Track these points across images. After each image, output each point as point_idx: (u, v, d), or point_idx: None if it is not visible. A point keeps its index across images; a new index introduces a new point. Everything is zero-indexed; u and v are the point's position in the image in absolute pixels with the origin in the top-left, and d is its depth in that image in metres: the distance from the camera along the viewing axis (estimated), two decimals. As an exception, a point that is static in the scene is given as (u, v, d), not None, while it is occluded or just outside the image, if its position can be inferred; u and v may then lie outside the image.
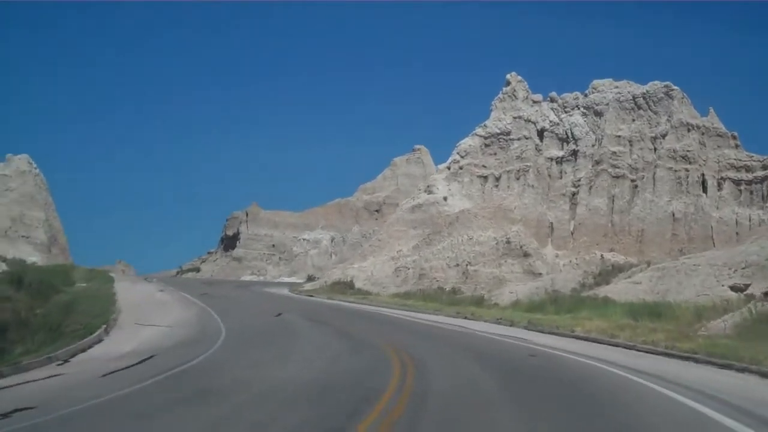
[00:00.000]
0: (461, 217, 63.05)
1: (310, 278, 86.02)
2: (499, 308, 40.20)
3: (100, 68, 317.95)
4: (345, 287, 58.81)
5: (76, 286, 38.38)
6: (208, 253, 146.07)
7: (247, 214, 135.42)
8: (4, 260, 47.83)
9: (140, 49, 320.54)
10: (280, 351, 18.68)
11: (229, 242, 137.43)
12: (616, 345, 22.93)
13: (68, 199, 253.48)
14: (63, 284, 35.59)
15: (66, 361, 16.83)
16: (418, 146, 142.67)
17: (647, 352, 21.01)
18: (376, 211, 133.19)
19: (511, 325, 31.01)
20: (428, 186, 74.42)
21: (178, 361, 16.15)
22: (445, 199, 70.77)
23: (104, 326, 22.46)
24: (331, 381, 13.26)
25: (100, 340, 20.57)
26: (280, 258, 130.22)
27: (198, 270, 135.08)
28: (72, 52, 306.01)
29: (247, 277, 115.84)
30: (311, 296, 54.13)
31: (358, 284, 60.08)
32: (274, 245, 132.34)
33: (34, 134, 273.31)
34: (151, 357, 17.33)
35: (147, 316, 27.99)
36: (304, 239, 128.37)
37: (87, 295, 31.41)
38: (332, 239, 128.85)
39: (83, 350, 18.57)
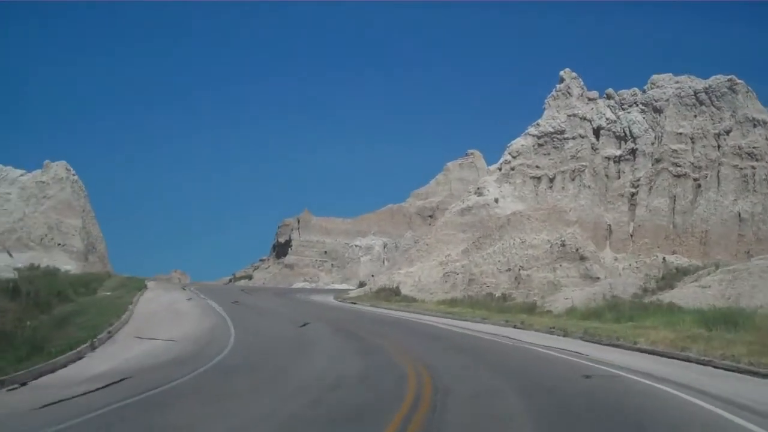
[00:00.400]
0: (513, 219, 59.32)
1: (362, 285, 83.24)
2: (552, 316, 36.53)
3: (144, 73, 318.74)
4: (390, 294, 55.53)
5: (98, 295, 36.06)
6: (261, 260, 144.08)
7: (298, 221, 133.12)
8: (34, 268, 45.82)
9: (184, 52, 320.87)
10: (274, 375, 15.71)
11: (281, 249, 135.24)
12: (688, 360, 19.35)
13: (123, 210, 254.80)
14: (81, 293, 33.20)
15: (23, 384, 14.11)
16: (471, 150, 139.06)
17: (727, 369, 17.42)
18: (429, 216, 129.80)
19: (564, 335, 27.47)
20: (478, 188, 70.77)
21: (145, 387, 13.34)
22: (496, 201, 67.06)
23: (93, 341, 19.55)
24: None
25: (79, 358, 17.76)
26: (332, 265, 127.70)
27: (250, 278, 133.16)
28: (114, 55, 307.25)
29: (299, 284, 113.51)
30: (354, 304, 51.06)
31: (404, 290, 56.70)
32: (326, 252, 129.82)
33: (83, 143, 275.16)
34: (122, 380, 14.57)
35: (153, 328, 25.21)
36: (356, 246, 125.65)
37: (98, 305, 28.81)
38: (385, 245, 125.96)
39: (52, 370, 15.73)
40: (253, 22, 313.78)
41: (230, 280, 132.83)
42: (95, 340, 19.91)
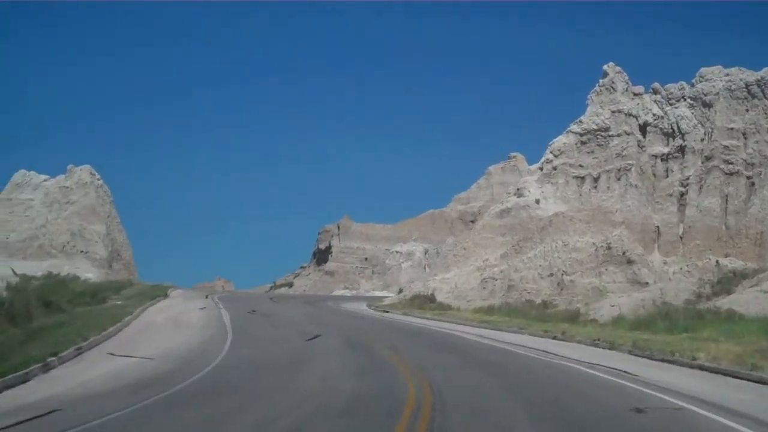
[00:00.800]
0: (555, 221, 55.44)
1: (401, 292, 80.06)
2: (597, 325, 32.73)
3: (177, 74, 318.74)
4: (425, 301, 51.95)
5: (106, 304, 33.39)
6: (301, 267, 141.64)
7: (338, 228, 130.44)
8: (50, 276, 43.58)
9: (218, 52, 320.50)
10: (241, 405, 12.49)
11: (322, 256, 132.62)
12: (762, 382, 15.69)
13: (163, 219, 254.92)
14: (85, 302, 30.53)
15: None
16: (513, 153, 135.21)
17: (815, 395, 13.81)
18: (471, 221, 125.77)
19: (610, 348, 23.83)
20: (518, 189, 66.97)
21: (66, 425, 10.53)
22: (537, 202, 63.22)
23: (48, 360, 16.48)
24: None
25: (25, 381, 14.72)
26: (373, 271, 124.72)
27: (291, 285, 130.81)
28: (144, 57, 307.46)
29: (339, 292, 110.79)
30: (386, 312, 47.66)
31: (440, 297, 53.09)
32: (366, 258, 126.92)
33: (115, 148, 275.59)
34: (48, 414, 11.52)
35: (139, 342, 22.22)
36: (396, 252, 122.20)
37: (91, 317, 25.82)
38: (426, 251, 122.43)
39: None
40: (302, 22, 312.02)
41: (270, 288, 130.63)
42: (54, 359, 16.83)
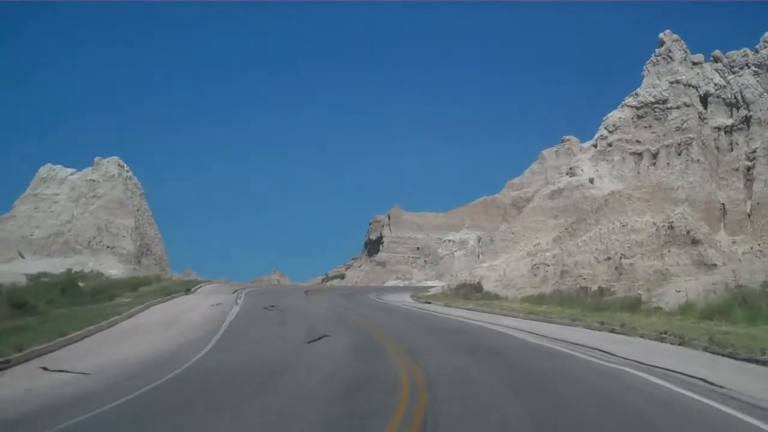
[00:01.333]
0: (611, 200, 50.41)
1: (447, 280, 75.80)
2: (662, 314, 27.98)
3: (215, 60, 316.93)
4: (471, 290, 47.48)
5: (113, 302, 30.18)
6: (353, 258, 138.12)
7: (389, 217, 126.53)
8: (71, 273, 40.53)
9: (261, 45, 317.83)
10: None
11: (373, 247, 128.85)
12: None
13: (217, 216, 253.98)
14: (85, 301, 27.26)
15: None
16: (567, 136, 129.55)
17: None
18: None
19: (681, 344, 19.30)
20: (571, 168, 61.91)
21: None
22: (591, 181, 58.09)
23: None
24: None
25: None
26: (425, 261, 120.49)
27: (343, 277, 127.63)
28: (177, 43, 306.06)
29: (392, 282, 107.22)
30: (428, 303, 43.40)
31: (487, 286, 48.49)
32: (418, 248, 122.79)
33: (156, 142, 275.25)
34: None
35: (104, 348, 18.70)
36: (449, 240, 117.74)
37: (70, 318, 22.11)
38: (479, 239, 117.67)
39: None
40: (351, 8, 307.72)
41: (322, 281, 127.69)
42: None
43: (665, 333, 21.13)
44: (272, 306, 34.78)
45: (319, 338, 20.93)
